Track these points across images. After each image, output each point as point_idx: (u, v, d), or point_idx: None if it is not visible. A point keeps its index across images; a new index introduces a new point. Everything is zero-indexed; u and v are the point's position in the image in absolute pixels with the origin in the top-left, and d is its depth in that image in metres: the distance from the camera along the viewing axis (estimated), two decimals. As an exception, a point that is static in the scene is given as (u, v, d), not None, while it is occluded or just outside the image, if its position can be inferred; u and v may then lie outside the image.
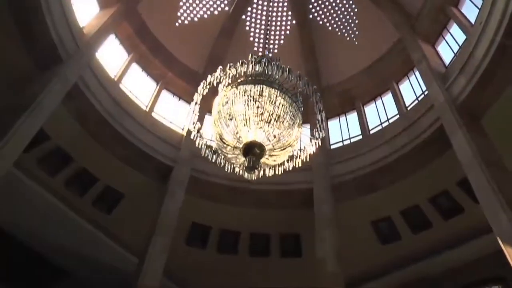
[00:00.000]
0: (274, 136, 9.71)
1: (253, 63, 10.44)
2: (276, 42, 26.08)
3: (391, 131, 19.25)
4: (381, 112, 21.52)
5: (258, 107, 9.69)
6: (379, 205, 19.24)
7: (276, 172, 11.25)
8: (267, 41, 24.92)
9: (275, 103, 9.86)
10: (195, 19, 25.12)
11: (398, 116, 20.19)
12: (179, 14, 24.59)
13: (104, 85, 18.77)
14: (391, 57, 21.94)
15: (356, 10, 24.21)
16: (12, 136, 13.56)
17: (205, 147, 10.80)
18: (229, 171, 10.83)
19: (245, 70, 10.14)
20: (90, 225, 19.32)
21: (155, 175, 19.57)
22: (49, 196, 18.60)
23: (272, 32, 26.14)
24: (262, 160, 10.11)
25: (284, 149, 10.22)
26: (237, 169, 10.74)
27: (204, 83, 10.74)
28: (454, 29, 19.11)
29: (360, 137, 21.30)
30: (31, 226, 19.41)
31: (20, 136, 13.95)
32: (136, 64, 22.20)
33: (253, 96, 9.87)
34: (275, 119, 9.68)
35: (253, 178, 10.43)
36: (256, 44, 26.02)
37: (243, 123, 9.64)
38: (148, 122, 20.32)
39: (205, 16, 25.39)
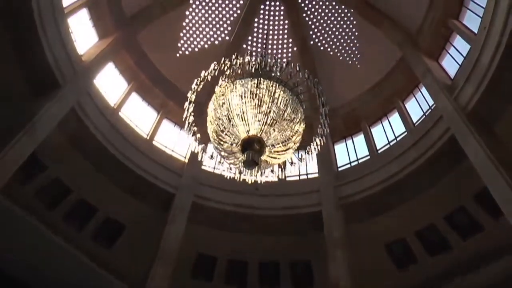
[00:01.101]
0: (274, 130, 9.12)
1: (250, 60, 10.08)
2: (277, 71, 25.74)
3: (399, 147, 18.58)
4: (388, 131, 20.85)
5: (256, 99, 9.16)
6: (393, 226, 18.22)
7: (280, 177, 10.64)
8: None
9: (273, 95, 9.34)
10: (196, 49, 25.09)
11: (406, 133, 19.44)
12: (179, 45, 24.59)
13: (103, 113, 18.49)
14: (395, 75, 21.56)
15: (356, 33, 24.08)
16: (2, 158, 13.05)
17: (201, 150, 10.25)
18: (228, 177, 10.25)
19: (242, 62, 9.75)
20: (89, 259, 18.36)
21: (157, 203, 18.89)
22: (47, 230, 17.84)
23: (274, 61, 25.86)
24: (264, 157, 9.48)
25: (286, 145, 9.60)
26: (237, 173, 10.13)
27: (197, 80, 10.25)
28: (458, 41, 18.77)
29: (368, 157, 20.50)
30: (28, 263, 18.47)
31: (11, 159, 13.44)
32: (136, 93, 21.94)
33: (250, 89, 9.38)
34: (274, 112, 9.13)
35: (255, 177, 9.73)
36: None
37: (240, 118, 9.08)
38: (148, 150, 19.87)
39: (206, 46, 25.38)
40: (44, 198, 18.16)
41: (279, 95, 9.40)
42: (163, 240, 16.44)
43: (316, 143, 10.67)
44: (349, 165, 21.05)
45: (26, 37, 15.40)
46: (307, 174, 21.48)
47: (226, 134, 9.32)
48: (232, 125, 9.14)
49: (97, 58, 18.60)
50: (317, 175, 20.82)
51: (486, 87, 14.79)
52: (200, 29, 25.18)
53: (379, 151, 20.30)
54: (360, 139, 22.14)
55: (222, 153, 9.71)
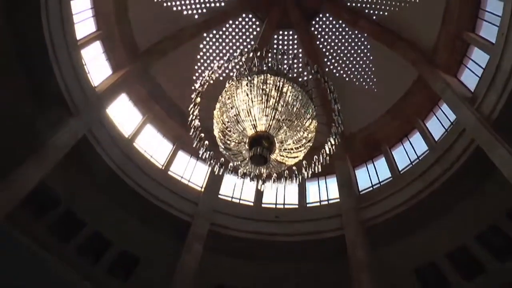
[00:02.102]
0: (283, 125, 8.60)
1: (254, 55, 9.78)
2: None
3: (422, 165, 17.82)
4: (410, 151, 20.06)
5: (263, 94, 8.73)
6: (421, 249, 17.16)
7: (293, 181, 10.05)
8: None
9: (281, 89, 8.89)
10: (211, 81, 24.99)
11: (428, 151, 18.63)
12: (194, 77, 24.64)
13: (117, 143, 18.41)
14: (413, 95, 21.04)
15: (371, 57, 23.81)
16: (12, 182, 12.80)
17: (205, 149, 9.81)
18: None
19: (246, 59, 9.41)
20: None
21: (172, 232, 18.33)
22: (60, 264, 17.38)
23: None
24: (274, 156, 8.94)
25: (297, 142, 9.05)
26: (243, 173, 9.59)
27: (202, 79, 9.92)
28: (476, 53, 18.23)
29: (390, 178, 19.63)
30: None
31: (19, 184, 13.20)
32: (151, 125, 21.79)
33: (256, 85, 8.97)
34: (282, 105, 8.65)
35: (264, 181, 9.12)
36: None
37: (247, 113, 8.62)
38: (163, 179, 19.44)
39: (221, 78, 25.27)
40: (57, 232, 17.81)
41: (287, 89, 8.96)
42: (178, 270, 15.65)
43: (331, 142, 10.06)
44: (371, 188, 20.12)
45: (38, 65, 15.51)
46: (328, 200, 20.70)
47: (232, 132, 8.84)
48: (238, 121, 8.67)
49: (110, 88, 18.67)
50: (338, 200, 19.93)
51: (511, 92, 14.08)
52: (215, 61, 25.23)
53: (401, 172, 19.38)
54: (381, 162, 21.34)
55: (229, 153, 9.20)
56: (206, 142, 10.39)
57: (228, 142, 9.10)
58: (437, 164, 16.87)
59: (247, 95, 8.85)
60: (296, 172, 9.97)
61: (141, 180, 18.32)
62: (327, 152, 10.01)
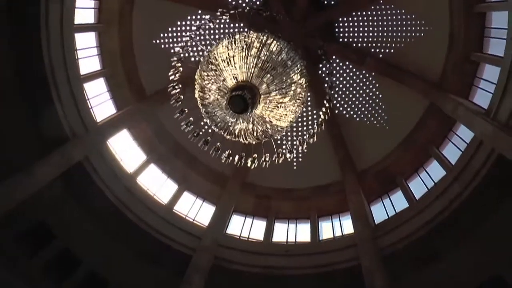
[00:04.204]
0: (267, 74, 7.90)
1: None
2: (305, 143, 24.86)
3: (440, 186, 16.62)
4: (426, 179, 18.82)
5: (244, 45, 8.16)
6: (448, 278, 15.23)
7: (290, 158, 9.18)
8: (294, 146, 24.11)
9: (265, 43, 8.32)
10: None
11: (445, 173, 17.42)
12: (202, 123, 24.33)
13: (117, 176, 17.91)
14: (425, 124, 20.35)
15: (380, 95, 23.38)
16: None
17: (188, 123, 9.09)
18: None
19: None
20: None
21: (173, 267, 16.90)
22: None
23: (300, 134, 25.18)
24: (259, 111, 8.16)
25: (284, 94, 8.26)
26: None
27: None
28: (487, 71, 17.65)
29: (407, 206, 18.25)
30: None
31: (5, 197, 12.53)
32: (155, 165, 21.17)
33: (238, 39, 8.43)
34: (265, 54, 8.02)
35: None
36: (284, 146, 24.78)
37: (227, 63, 7.99)
38: (166, 214, 18.61)
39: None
40: (52, 272, 16.81)
41: (272, 42, 8.39)
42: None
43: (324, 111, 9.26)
44: (387, 218, 18.64)
45: (39, 92, 15.52)
46: (342, 233, 19.23)
47: (211, 83, 8.16)
48: (216, 71, 8.00)
49: (112, 122, 18.49)
50: (352, 232, 18.44)
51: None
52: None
53: (418, 199, 18.03)
54: (397, 195, 20.05)
55: (208, 110, 8.43)
56: (186, 109, 9.60)
57: (208, 96, 8.38)
58: (455, 182, 15.73)
59: (228, 48, 8.29)
60: (289, 147, 9.06)
61: (142, 213, 17.59)
62: (322, 117, 9.11)
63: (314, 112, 24.39)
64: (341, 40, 24.26)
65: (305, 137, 9.54)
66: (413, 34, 21.62)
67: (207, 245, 17.43)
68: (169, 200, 20.07)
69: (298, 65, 8.69)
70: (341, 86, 24.88)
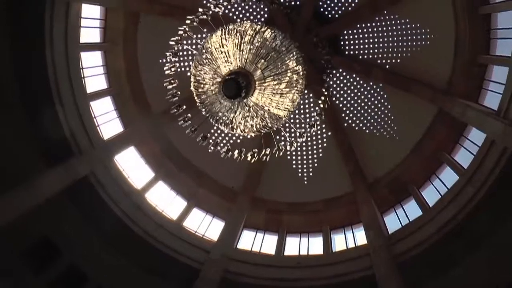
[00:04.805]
0: (261, 59, 7.77)
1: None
2: (315, 156, 24.67)
3: (453, 190, 16.08)
4: (440, 187, 18.34)
5: (238, 33, 8.08)
6: (466, 285, 14.60)
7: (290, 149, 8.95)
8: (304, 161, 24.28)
9: (259, 30, 8.23)
10: (228, 144, 24.58)
11: (458, 178, 16.96)
12: (211, 140, 24.23)
13: (124, 191, 17.81)
14: (435, 130, 20.03)
15: (389, 106, 23.13)
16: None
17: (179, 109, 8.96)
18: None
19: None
20: None
21: (181, 281, 16.49)
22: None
23: (309, 148, 24.97)
24: (255, 97, 8.00)
25: (278, 78, 8.10)
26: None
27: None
28: (496, 73, 17.37)
29: (421, 214, 17.74)
30: None
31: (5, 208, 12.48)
32: (163, 182, 21.04)
33: (231, 29, 8.37)
34: (259, 41, 7.91)
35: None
36: (294, 162, 24.64)
37: (220, 51, 7.90)
38: (174, 229, 18.34)
39: (238, 141, 24.94)
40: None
41: (266, 30, 8.30)
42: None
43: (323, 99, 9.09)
44: (400, 227, 18.12)
45: (43, 108, 15.67)
46: (355, 244, 18.73)
47: (205, 71, 8.05)
48: (210, 60, 7.92)
49: (119, 139, 18.52)
50: (365, 243, 17.91)
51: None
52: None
53: (431, 206, 17.53)
54: (410, 204, 19.57)
55: (203, 98, 8.30)
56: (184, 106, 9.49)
57: (202, 84, 8.26)
58: (468, 184, 15.27)
59: (222, 37, 8.22)
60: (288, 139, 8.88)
61: (150, 229, 17.35)
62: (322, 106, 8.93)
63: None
64: (346, 52, 24.21)
65: (306, 126, 9.15)
66: (419, 42, 21.52)
67: (216, 259, 17.05)
68: (178, 216, 19.85)
69: (294, 53, 8.57)
70: (349, 98, 24.73)
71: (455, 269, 14.96)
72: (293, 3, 23.79)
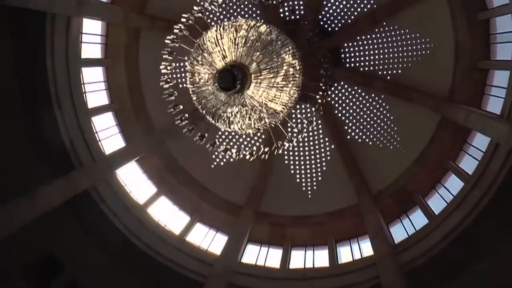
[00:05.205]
0: (256, 51, 7.73)
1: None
2: (319, 169, 24.49)
3: (459, 195, 15.79)
4: (445, 195, 18.06)
5: (233, 28, 8.06)
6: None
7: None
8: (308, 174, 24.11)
9: (254, 25, 8.22)
10: (231, 159, 24.50)
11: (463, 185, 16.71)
12: (213, 156, 24.20)
13: (125, 205, 17.65)
14: (439, 138, 19.89)
15: (391, 117, 23.01)
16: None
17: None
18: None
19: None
20: None
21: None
22: None
23: (313, 161, 24.80)
24: (252, 90, 7.92)
25: (274, 71, 8.03)
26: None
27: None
28: (497, 76, 17.31)
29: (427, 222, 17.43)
30: None
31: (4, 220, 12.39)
32: (166, 197, 20.90)
33: (227, 25, 8.36)
34: (254, 35, 7.89)
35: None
36: (298, 176, 24.47)
37: (215, 44, 7.88)
38: (177, 243, 18.15)
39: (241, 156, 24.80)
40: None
41: (261, 25, 8.29)
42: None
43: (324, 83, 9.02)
44: (406, 236, 17.78)
45: (44, 121, 15.74)
46: (361, 255, 18.37)
47: (200, 65, 8.00)
48: (205, 54, 7.87)
49: (120, 154, 18.47)
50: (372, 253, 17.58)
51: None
52: (234, 140, 25.00)
53: (437, 214, 17.24)
54: (416, 214, 19.24)
55: (198, 93, 8.23)
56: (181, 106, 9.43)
57: (198, 77, 8.21)
58: (474, 189, 15.00)
59: (217, 32, 8.21)
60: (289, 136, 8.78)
61: (152, 243, 17.21)
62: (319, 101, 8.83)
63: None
64: (347, 65, 24.26)
65: (304, 124, 9.05)
66: (419, 52, 21.57)
67: (220, 272, 16.76)
68: (181, 231, 19.61)
69: (290, 46, 8.54)
70: (351, 111, 24.65)
71: (462, 276, 14.60)
72: (293, 17, 24.03)
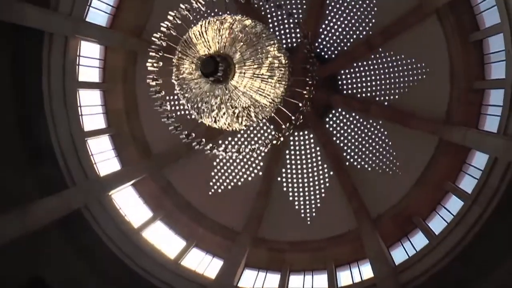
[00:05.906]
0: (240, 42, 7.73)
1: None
2: (318, 196, 24.19)
3: (459, 213, 15.48)
4: (446, 215, 17.71)
5: (216, 21, 8.11)
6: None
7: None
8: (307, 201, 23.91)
9: (238, 21, 8.27)
10: (229, 187, 24.32)
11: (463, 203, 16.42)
12: (211, 183, 24.02)
13: (118, 226, 17.30)
14: (437, 161, 19.79)
15: (390, 142, 22.93)
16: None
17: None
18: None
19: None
20: None
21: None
22: None
23: (312, 188, 24.53)
24: (236, 81, 7.87)
25: (258, 62, 7.98)
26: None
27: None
28: (493, 95, 17.36)
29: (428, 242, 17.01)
30: None
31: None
32: (161, 222, 20.59)
33: (213, 20, 8.41)
34: (239, 27, 7.92)
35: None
36: (296, 202, 24.15)
37: (200, 35, 7.89)
38: (173, 267, 17.64)
39: (239, 183, 24.64)
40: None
41: (246, 19, 8.35)
42: None
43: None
44: (407, 257, 17.29)
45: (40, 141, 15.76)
46: (361, 279, 17.81)
47: (184, 56, 7.98)
48: (189, 45, 7.87)
49: (115, 176, 18.36)
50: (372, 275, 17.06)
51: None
52: (232, 167, 24.87)
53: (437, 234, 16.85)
54: (417, 237, 18.83)
55: (181, 83, 8.16)
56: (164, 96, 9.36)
57: (182, 69, 8.17)
58: (474, 205, 14.71)
59: (202, 26, 8.26)
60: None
61: (147, 265, 16.82)
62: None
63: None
64: (345, 92, 24.41)
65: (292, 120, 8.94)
66: (415, 77, 21.79)
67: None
68: (176, 255, 19.15)
69: (275, 41, 8.58)
70: (349, 137, 24.60)
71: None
72: (290, 45, 24.44)
